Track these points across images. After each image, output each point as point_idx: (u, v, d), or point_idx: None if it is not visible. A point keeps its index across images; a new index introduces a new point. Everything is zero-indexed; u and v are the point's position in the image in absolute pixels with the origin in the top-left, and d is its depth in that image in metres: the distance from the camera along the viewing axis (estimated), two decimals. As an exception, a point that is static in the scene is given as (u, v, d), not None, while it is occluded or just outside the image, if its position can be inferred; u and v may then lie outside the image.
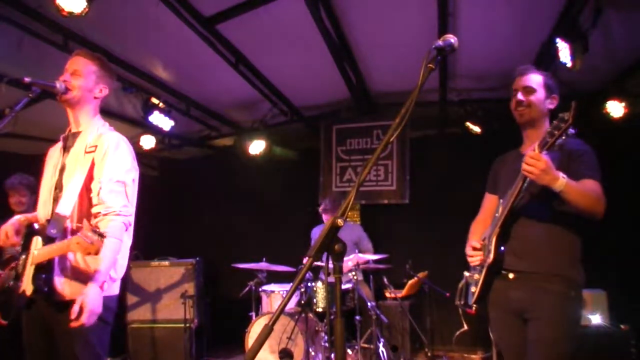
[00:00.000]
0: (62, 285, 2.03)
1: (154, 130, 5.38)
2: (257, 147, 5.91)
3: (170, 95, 5.14)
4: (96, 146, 2.15)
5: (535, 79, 2.26)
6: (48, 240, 1.99)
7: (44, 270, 1.99)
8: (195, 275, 4.95)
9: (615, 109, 4.62)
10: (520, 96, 2.23)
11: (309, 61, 4.59)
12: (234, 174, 6.90)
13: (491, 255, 2.11)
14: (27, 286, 1.97)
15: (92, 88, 2.22)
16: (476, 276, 2.25)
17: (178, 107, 5.40)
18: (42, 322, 2.08)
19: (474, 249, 2.25)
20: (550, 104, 2.27)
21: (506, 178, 2.25)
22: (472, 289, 2.26)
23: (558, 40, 3.51)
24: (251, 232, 6.62)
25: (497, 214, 2.19)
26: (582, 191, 1.93)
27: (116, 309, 2.21)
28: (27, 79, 2.04)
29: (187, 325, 4.71)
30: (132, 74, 4.50)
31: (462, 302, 2.38)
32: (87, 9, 2.92)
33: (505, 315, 2.17)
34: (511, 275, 2.14)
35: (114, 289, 2.18)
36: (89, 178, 2.11)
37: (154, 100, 4.98)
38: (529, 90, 2.23)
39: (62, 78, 2.17)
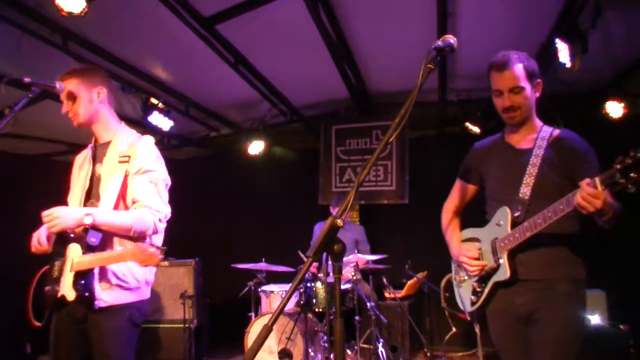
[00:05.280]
0: (103, 292, 2.07)
1: (153, 131, 5.36)
2: (256, 147, 5.91)
3: (169, 95, 5.13)
4: (129, 157, 2.21)
5: (519, 73, 2.00)
6: (88, 248, 2.03)
7: (83, 276, 2.03)
8: (194, 275, 4.95)
9: (615, 109, 4.62)
10: (507, 101, 2.02)
11: (308, 61, 4.59)
12: (233, 174, 6.90)
13: (508, 273, 1.96)
14: (68, 292, 2.01)
15: (90, 98, 2.24)
16: (474, 284, 2.13)
17: (177, 107, 5.40)
18: (74, 323, 2.12)
19: (471, 257, 2.11)
20: (537, 93, 2.07)
21: (503, 177, 2.11)
22: (472, 297, 2.14)
23: (557, 40, 3.51)
24: (250, 232, 6.62)
25: (500, 222, 2.04)
26: (617, 211, 1.81)
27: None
28: (26, 79, 2.06)
29: (187, 325, 4.71)
30: (131, 74, 4.50)
31: (458, 311, 2.27)
32: (86, 9, 2.92)
33: (509, 323, 2.04)
34: (516, 283, 2.00)
35: (147, 293, 2.26)
36: (124, 187, 2.18)
37: (153, 101, 4.98)
38: (517, 91, 2.01)
39: (64, 110, 2.23)
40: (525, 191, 2.00)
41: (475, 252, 2.12)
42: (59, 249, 2.11)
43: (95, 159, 2.29)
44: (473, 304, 2.13)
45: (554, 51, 3.59)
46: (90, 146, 2.35)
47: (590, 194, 1.65)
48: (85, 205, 2.20)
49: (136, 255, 1.92)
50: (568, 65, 3.55)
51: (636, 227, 4.83)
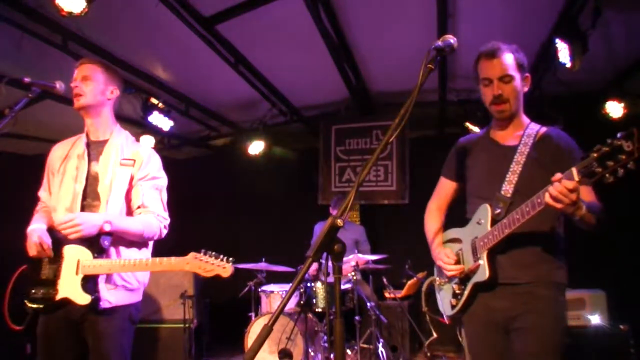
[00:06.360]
0: (108, 293, 2.08)
1: (154, 131, 5.38)
2: (256, 147, 5.92)
3: (169, 95, 5.14)
4: (134, 160, 2.22)
5: (509, 62, 1.93)
6: (100, 251, 2.05)
7: (91, 280, 2.04)
8: (194, 275, 4.93)
9: (615, 109, 4.62)
10: (497, 89, 1.92)
11: (308, 61, 4.59)
12: (233, 174, 6.90)
13: (487, 273, 1.86)
14: (75, 295, 2.00)
15: (104, 90, 2.25)
16: (455, 286, 2.04)
17: (177, 107, 5.40)
18: (69, 325, 2.09)
19: (448, 262, 2.03)
20: (525, 87, 1.99)
21: (485, 174, 2.04)
22: (452, 300, 2.05)
23: (557, 40, 3.52)
24: (250, 232, 6.62)
25: (481, 220, 1.95)
26: (596, 213, 1.73)
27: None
28: (27, 79, 2.06)
29: (187, 325, 4.71)
30: (131, 74, 4.50)
31: (437, 312, 2.18)
32: (86, 9, 2.93)
33: (486, 329, 1.95)
34: (496, 286, 1.91)
35: (141, 294, 2.28)
36: (129, 189, 2.20)
37: (154, 101, 4.98)
38: (507, 80, 1.92)
39: (74, 84, 2.20)
40: (507, 189, 1.92)
41: (452, 256, 2.04)
42: (57, 252, 2.08)
43: (89, 156, 2.23)
44: (453, 307, 2.04)
45: (554, 51, 3.59)
46: (83, 142, 2.27)
47: (569, 188, 1.56)
48: (81, 203, 2.17)
49: (197, 266, 1.99)
50: (568, 65, 3.55)
51: (636, 227, 4.84)
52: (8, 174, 4.53)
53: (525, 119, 2.06)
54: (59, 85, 2.15)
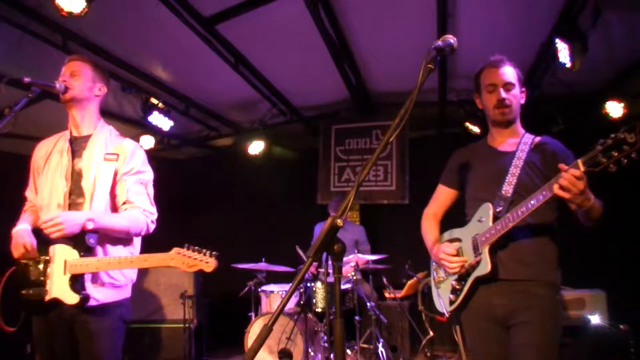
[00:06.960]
0: (94, 290, 2.07)
1: (153, 131, 5.38)
2: (256, 147, 5.92)
3: (169, 95, 5.14)
4: (117, 155, 2.21)
5: (512, 72, 2.10)
6: (87, 250, 2.03)
7: (78, 279, 2.03)
8: (194, 275, 4.95)
9: (615, 109, 4.62)
10: (503, 94, 2.06)
11: (308, 61, 4.59)
12: (233, 174, 6.90)
13: (488, 266, 1.93)
14: (65, 295, 1.99)
15: (91, 87, 2.26)
16: (453, 283, 2.10)
17: (177, 107, 5.40)
18: (61, 325, 2.08)
19: (450, 254, 2.09)
20: (522, 99, 2.14)
21: (485, 177, 2.13)
22: (451, 296, 2.10)
23: (557, 40, 3.51)
24: (250, 232, 6.62)
25: (482, 218, 2.02)
26: (600, 207, 1.83)
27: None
28: (26, 79, 2.05)
29: (187, 325, 4.71)
30: (131, 74, 4.50)
31: (436, 313, 2.22)
32: (86, 9, 2.93)
33: (486, 324, 2.01)
34: (495, 283, 1.98)
35: (129, 291, 2.26)
36: (114, 185, 2.18)
37: (154, 101, 4.98)
38: (509, 88, 2.08)
39: (62, 78, 2.20)
40: (507, 189, 2.02)
41: (453, 250, 2.10)
42: (44, 252, 2.07)
43: (74, 152, 2.22)
44: (452, 303, 2.09)
45: (554, 51, 3.59)
46: (67, 138, 2.27)
47: (576, 176, 1.65)
48: (67, 201, 2.16)
49: (181, 261, 1.93)
50: (568, 65, 3.55)
51: (636, 228, 4.84)
52: (8, 174, 4.51)
53: (521, 129, 2.18)
54: (59, 85, 2.15)
